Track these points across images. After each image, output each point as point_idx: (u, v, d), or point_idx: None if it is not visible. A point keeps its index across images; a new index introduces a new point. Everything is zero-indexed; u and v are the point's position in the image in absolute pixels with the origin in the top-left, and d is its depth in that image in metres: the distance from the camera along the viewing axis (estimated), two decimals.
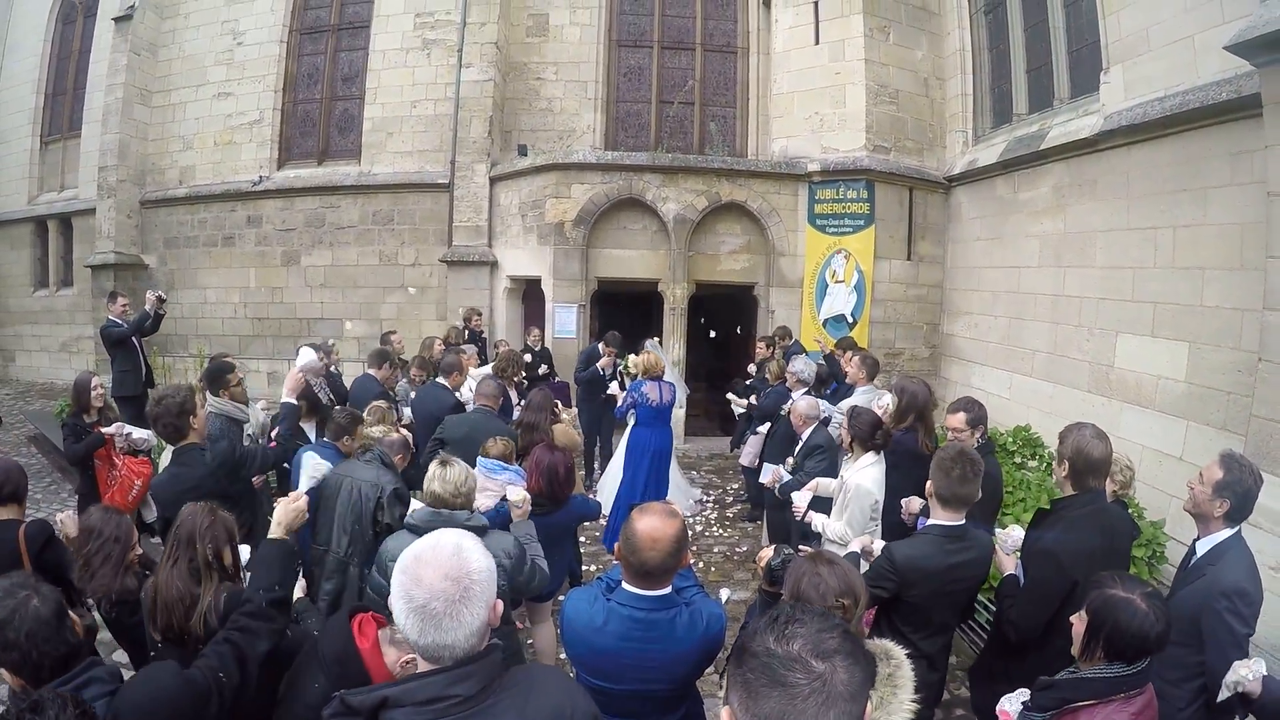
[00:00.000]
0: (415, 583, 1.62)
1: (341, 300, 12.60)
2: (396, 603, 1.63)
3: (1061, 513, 3.31)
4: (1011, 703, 2.68)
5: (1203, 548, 3.12)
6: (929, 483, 3.20)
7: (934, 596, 3.12)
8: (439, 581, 1.62)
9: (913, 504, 4.25)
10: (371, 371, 6.83)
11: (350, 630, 2.34)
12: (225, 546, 2.83)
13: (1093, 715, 2.26)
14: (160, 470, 4.65)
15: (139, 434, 5.29)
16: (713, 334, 9.37)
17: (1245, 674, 2.62)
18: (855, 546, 3.85)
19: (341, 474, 4.26)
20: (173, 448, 4.21)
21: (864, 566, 3.47)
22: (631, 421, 7.29)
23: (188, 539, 2.75)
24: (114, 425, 5.35)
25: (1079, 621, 2.43)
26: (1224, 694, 2.65)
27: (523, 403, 5.86)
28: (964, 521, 3.16)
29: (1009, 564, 3.47)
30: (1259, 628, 2.98)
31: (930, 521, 3.23)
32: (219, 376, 5.26)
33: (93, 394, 5.60)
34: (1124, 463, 3.94)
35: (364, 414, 5.13)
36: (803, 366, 6.67)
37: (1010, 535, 3.57)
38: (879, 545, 3.79)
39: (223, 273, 13.19)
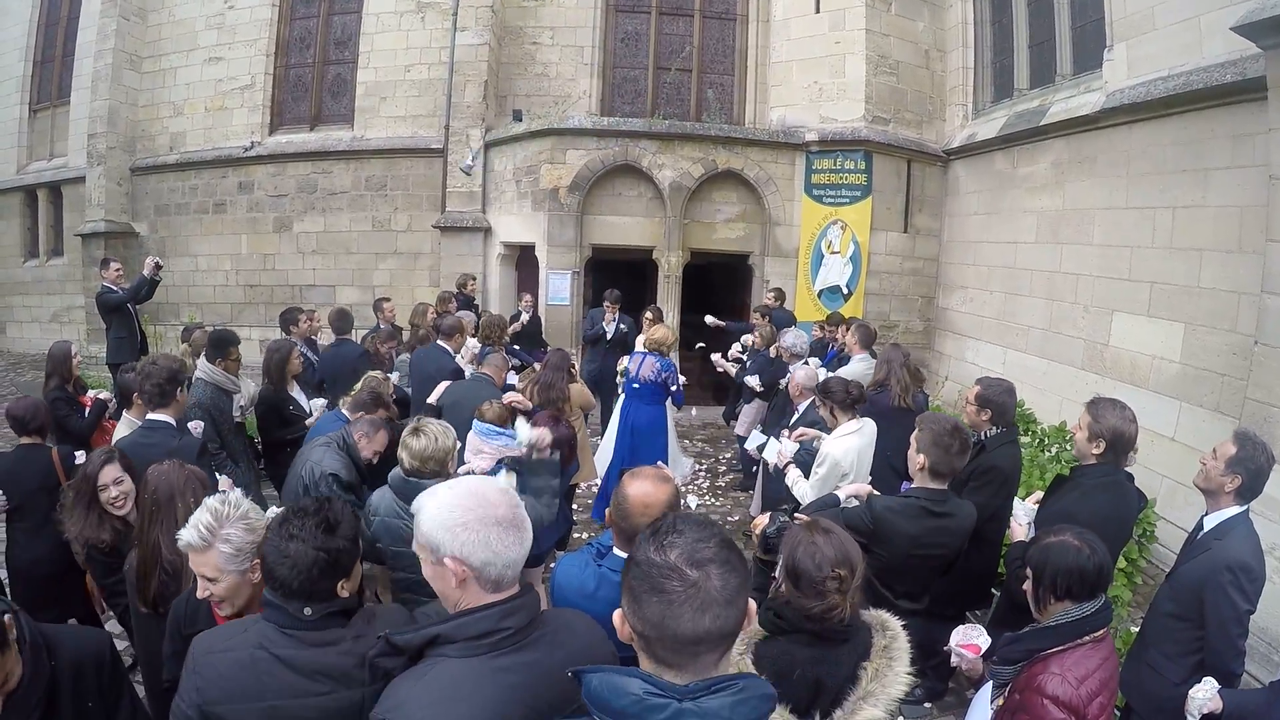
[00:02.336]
0: (486, 504, 1.73)
1: (334, 267, 12.51)
2: (476, 533, 1.69)
3: (1080, 480, 3.50)
4: (980, 635, 2.74)
5: (1210, 523, 3.16)
6: (915, 452, 3.28)
7: (904, 559, 3.23)
8: (499, 496, 1.77)
9: None
10: (346, 337, 6.81)
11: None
12: (202, 497, 2.79)
13: (1063, 661, 2.33)
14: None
15: (102, 395, 5.24)
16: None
17: (1204, 695, 2.66)
18: (845, 492, 3.81)
19: (303, 455, 4.07)
20: (146, 415, 4.09)
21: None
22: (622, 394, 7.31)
23: (168, 499, 2.75)
24: (100, 393, 5.26)
25: (1028, 584, 2.53)
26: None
27: (543, 360, 5.84)
28: (946, 488, 3.27)
29: (1020, 534, 3.56)
30: (1255, 617, 3.01)
31: (915, 485, 3.32)
32: (223, 346, 5.22)
33: (74, 361, 5.52)
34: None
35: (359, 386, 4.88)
36: (794, 340, 6.69)
37: (1025, 508, 3.66)
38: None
39: (214, 240, 13.05)
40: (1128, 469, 4.07)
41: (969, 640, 2.74)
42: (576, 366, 5.93)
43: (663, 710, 1.30)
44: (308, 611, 1.95)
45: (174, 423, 4.05)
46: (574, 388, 5.43)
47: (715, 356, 8.00)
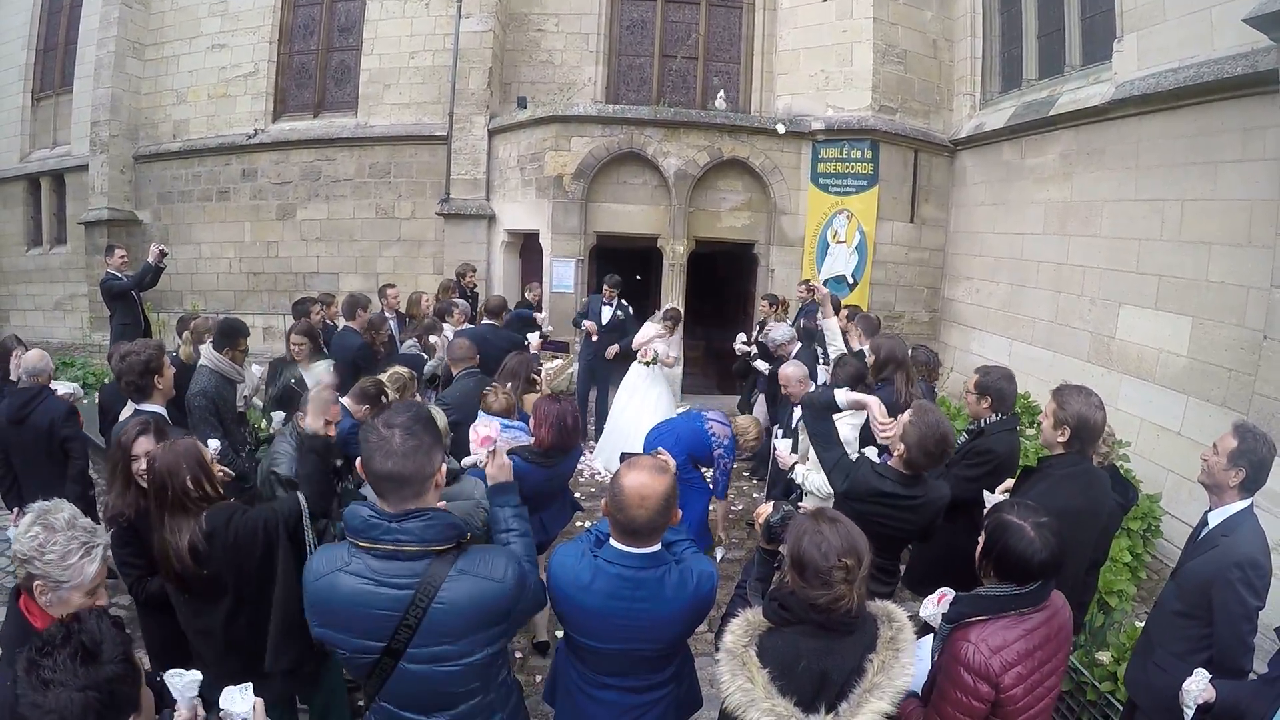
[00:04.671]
0: None
1: (338, 254, 12.49)
2: None
3: (1047, 471, 3.39)
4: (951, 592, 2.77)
5: (1215, 519, 3.12)
6: (900, 440, 3.23)
7: (856, 518, 3.14)
8: None
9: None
10: (351, 325, 6.76)
11: (21, 612, 2.25)
12: (199, 471, 2.81)
13: (984, 629, 2.35)
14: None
15: (64, 389, 5.05)
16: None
17: (1198, 687, 2.66)
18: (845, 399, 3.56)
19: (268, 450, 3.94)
20: (135, 406, 4.03)
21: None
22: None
23: (161, 484, 2.75)
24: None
25: (980, 542, 2.53)
26: (1189, 713, 2.69)
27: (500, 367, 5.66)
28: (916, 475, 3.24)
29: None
30: (1261, 614, 2.97)
31: (892, 463, 3.28)
32: (232, 336, 5.18)
33: (11, 363, 5.23)
34: (1107, 432, 3.89)
35: (384, 380, 4.68)
36: (779, 334, 6.83)
37: (994, 500, 3.44)
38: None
39: (217, 227, 13.03)
40: (1116, 462, 4.04)
41: (942, 592, 2.75)
42: (540, 374, 5.60)
43: (379, 528, 2.06)
44: None
45: (161, 411, 3.99)
46: (529, 399, 4.89)
47: (739, 344, 8.01)
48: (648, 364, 7.84)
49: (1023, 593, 2.38)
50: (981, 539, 2.50)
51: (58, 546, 2.16)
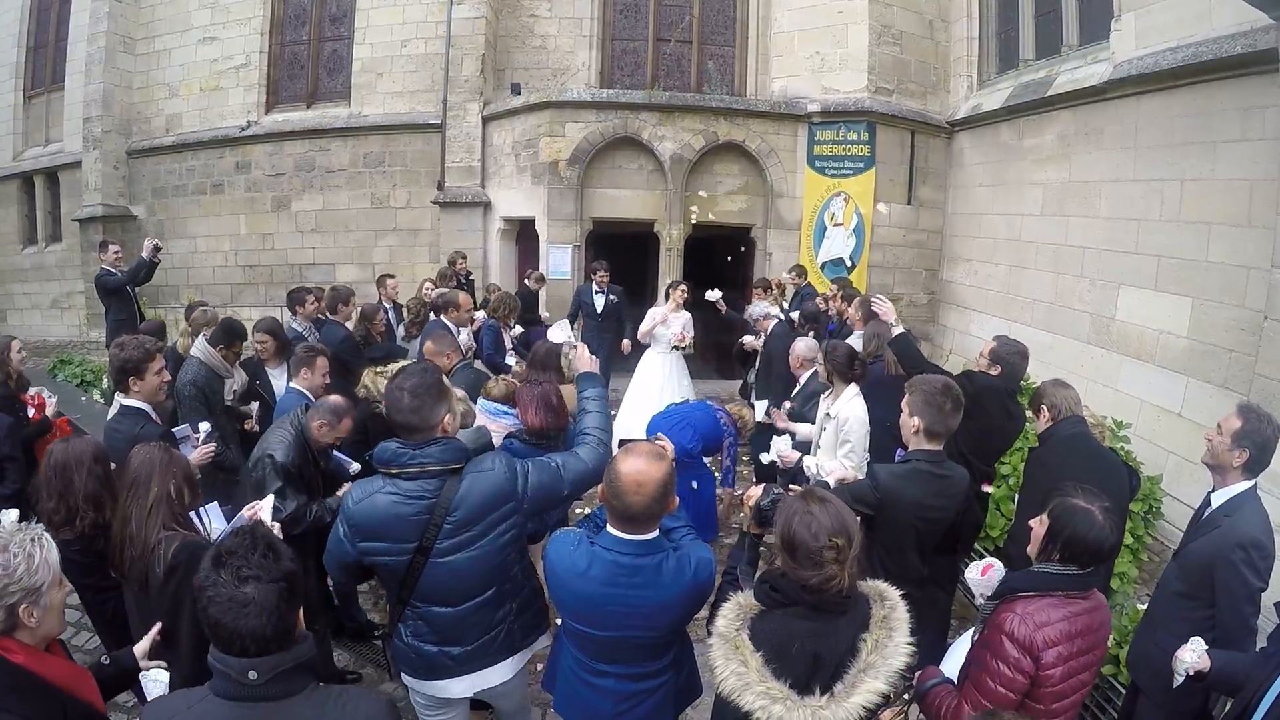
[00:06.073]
0: None
1: (333, 245, 12.41)
2: None
3: (1047, 441, 3.77)
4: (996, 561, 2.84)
5: (1218, 499, 3.11)
6: (908, 416, 3.22)
7: (906, 527, 3.17)
8: None
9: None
10: (334, 319, 6.72)
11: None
12: (184, 483, 2.87)
13: (1028, 604, 2.36)
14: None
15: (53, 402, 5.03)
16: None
17: (1192, 657, 2.64)
18: (832, 480, 3.76)
19: (263, 436, 3.99)
20: (120, 399, 4.00)
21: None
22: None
23: (146, 478, 2.78)
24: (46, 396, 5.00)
25: (1039, 525, 2.52)
26: (1179, 680, 2.67)
27: (529, 356, 5.56)
28: (941, 449, 3.22)
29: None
30: (1265, 595, 2.96)
31: (913, 449, 3.25)
32: (230, 337, 5.18)
33: (15, 357, 5.20)
34: (1096, 419, 4.07)
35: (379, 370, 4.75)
36: (759, 310, 7.09)
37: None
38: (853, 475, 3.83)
39: (212, 221, 12.95)
40: (1116, 444, 4.16)
41: (986, 563, 2.78)
42: (569, 360, 5.53)
43: (404, 455, 2.53)
44: (253, 675, 1.66)
45: (146, 408, 3.95)
46: (566, 390, 4.68)
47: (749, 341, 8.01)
48: (678, 348, 7.88)
49: (1078, 574, 2.38)
50: (1045, 524, 2.48)
51: (21, 550, 1.96)
